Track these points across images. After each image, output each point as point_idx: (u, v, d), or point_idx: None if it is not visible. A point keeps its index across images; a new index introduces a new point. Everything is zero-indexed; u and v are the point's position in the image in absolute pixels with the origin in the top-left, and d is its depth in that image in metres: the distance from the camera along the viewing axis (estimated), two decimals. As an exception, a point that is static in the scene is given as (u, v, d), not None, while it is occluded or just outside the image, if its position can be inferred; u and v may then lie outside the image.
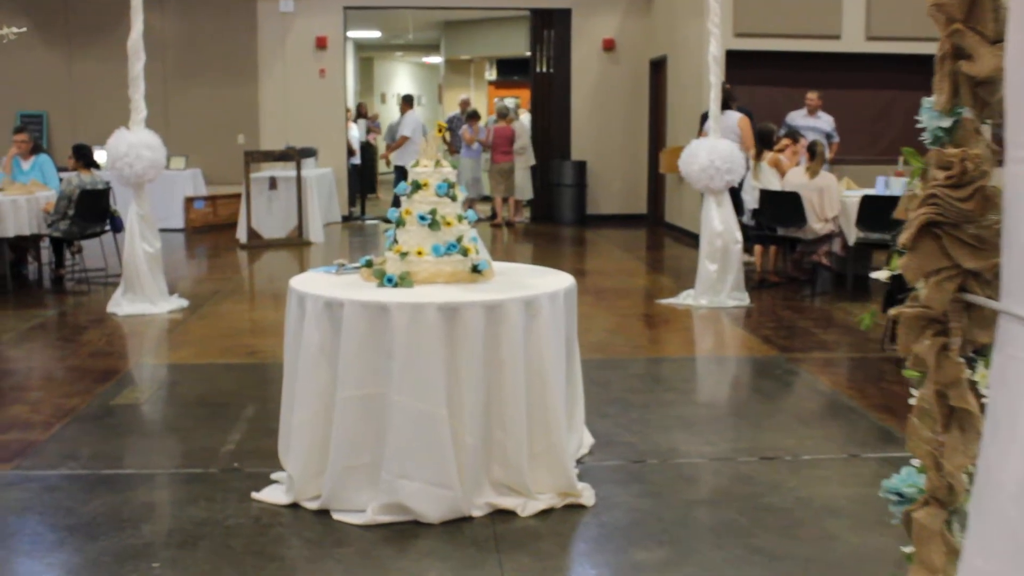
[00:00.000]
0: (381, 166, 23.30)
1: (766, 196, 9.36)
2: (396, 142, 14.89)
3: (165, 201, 13.98)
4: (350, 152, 16.26)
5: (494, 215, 15.23)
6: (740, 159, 8.45)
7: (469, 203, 15.44)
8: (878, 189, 9.81)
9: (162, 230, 13.88)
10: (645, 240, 13.91)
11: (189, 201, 14.09)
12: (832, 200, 9.19)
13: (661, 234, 14.23)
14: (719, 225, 8.52)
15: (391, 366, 3.81)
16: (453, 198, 4.26)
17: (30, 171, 10.16)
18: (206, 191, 14.61)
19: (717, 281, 8.56)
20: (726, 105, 10.99)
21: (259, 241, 12.37)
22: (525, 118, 17.68)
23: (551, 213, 15.65)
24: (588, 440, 4.79)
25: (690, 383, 6.26)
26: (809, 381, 6.14)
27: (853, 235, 9.19)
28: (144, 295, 8.10)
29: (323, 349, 3.95)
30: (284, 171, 13.01)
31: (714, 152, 8.33)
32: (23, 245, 9.90)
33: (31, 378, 6.12)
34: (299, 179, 12.57)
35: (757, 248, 9.90)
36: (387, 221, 4.39)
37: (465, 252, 4.23)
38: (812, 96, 11.82)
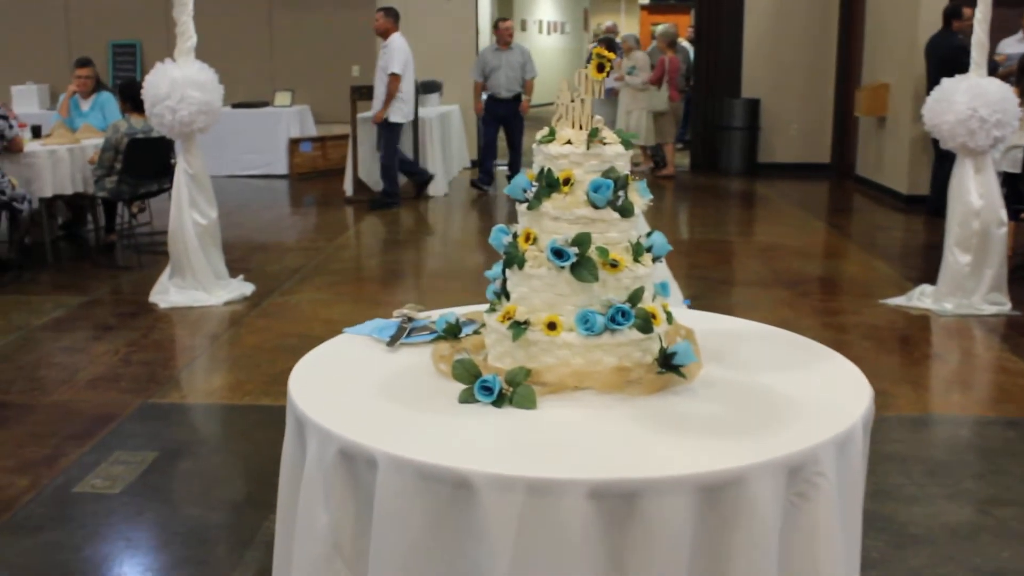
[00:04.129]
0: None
1: (1035, 157, 6.81)
2: (388, 89, 9.51)
3: (268, 143, 12.21)
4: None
5: (657, 165, 12.88)
6: (1015, 107, 5.93)
7: None
8: None
9: (264, 176, 12.17)
10: (833, 198, 11.39)
11: (294, 143, 12.21)
12: None
13: (851, 190, 11.66)
14: (978, 200, 6.05)
15: (479, 615, 1.67)
16: (627, 211, 2.05)
17: (89, 113, 8.35)
18: (315, 131, 12.69)
19: (970, 277, 6.12)
20: None
21: (367, 195, 10.35)
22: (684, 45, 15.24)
23: (715, 161, 13.18)
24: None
25: (996, 482, 3.87)
26: None
27: None
28: (195, 280, 6.16)
29: (339, 549, 1.83)
30: (400, 110, 10.92)
31: (978, 96, 5.83)
32: (80, 203, 8.12)
33: (-11, 427, 4.22)
34: (416, 119, 10.48)
35: (1009, 225, 7.35)
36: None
37: (647, 323, 2.02)
38: None
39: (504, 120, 10.64)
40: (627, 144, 2.07)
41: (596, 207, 2.01)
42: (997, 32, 8.55)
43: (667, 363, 2.00)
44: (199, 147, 6.12)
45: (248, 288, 6.37)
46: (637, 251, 2.07)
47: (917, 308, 6.21)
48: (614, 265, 2.00)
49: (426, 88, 11.47)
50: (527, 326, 2.02)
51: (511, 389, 1.94)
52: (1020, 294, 6.32)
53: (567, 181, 2.02)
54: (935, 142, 9.43)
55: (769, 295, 6.48)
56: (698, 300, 5.99)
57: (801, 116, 13.10)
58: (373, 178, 10.52)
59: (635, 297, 2.03)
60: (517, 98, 10.60)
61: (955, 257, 6.12)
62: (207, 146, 6.62)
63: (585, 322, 1.98)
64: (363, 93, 10.50)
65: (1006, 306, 6.13)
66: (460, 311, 2.53)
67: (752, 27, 13.01)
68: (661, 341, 2.05)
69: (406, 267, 7.61)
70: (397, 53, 9.51)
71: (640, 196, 2.11)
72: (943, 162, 8.99)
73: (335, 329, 5.62)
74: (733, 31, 13.07)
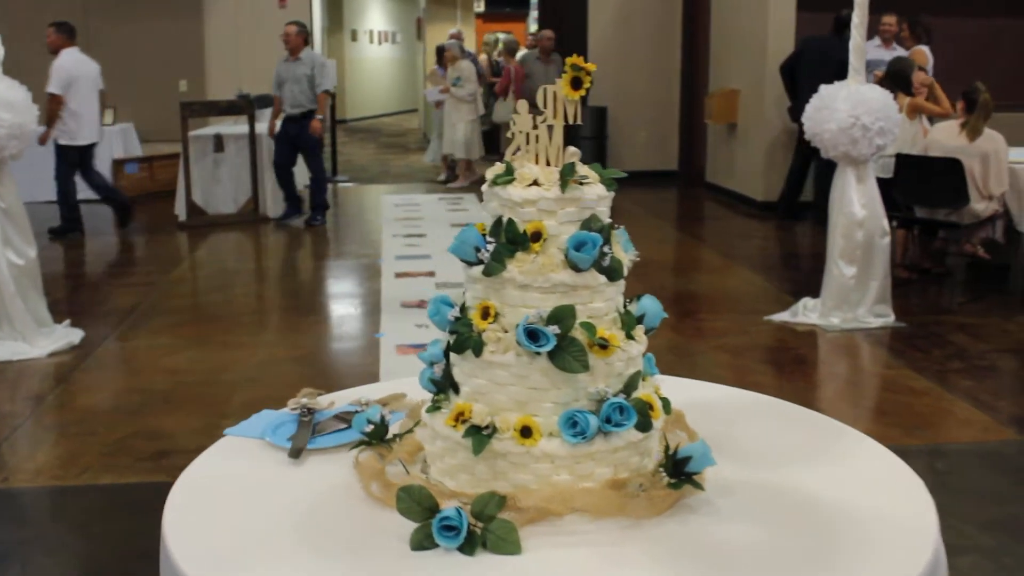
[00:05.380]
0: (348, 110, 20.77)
1: (907, 163, 6.67)
2: (47, 110, 8.38)
3: (88, 165, 11.18)
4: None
5: (448, 179, 12.42)
6: (895, 114, 5.74)
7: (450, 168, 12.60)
8: (1044, 149, 7.19)
9: (86, 201, 11.12)
10: (688, 207, 11.23)
11: (119, 164, 11.24)
12: (1000, 170, 6.53)
13: (702, 197, 11.53)
14: (860, 211, 5.83)
15: None
16: (615, 273, 1.56)
17: None
18: (141, 151, 11.74)
19: (855, 290, 5.91)
20: (921, 41, 8.28)
21: (203, 218, 9.57)
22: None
23: (564, 171, 12.85)
24: None
25: (943, 525, 3.57)
26: None
27: (1028, 217, 6.58)
28: (13, 330, 5.34)
29: None
30: (234, 127, 10.17)
31: (860, 104, 5.60)
32: None
33: None
34: (252, 136, 9.75)
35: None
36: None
37: (647, 419, 1.54)
38: (889, 21, 9.05)
39: (293, 141, 9.40)
40: (609, 184, 1.58)
41: (578, 270, 1.51)
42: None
43: (679, 471, 1.52)
44: (12, 176, 5.32)
45: (76, 335, 5.59)
46: (628, 324, 1.58)
47: (803, 324, 5.96)
48: (604, 347, 1.51)
49: (261, 103, 10.74)
50: (492, 433, 1.50)
51: (481, 526, 1.42)
52: (900, 304, 6.15)
53: (537, 236, 1.52)
54: (798, 147, 9.40)
55: (651, 316, 6.11)
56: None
57: (648, 124, 12.94)
58: (209, 200, 9.76)
59: (631, 385, 1.55)
60: (306, 115, 9.34)
61: (840, 270, 5.89)
62: (20, 169, 5.82)
63: (573, 425, 1.48)
64: (195, 109, 9.73)
65: (891, 318, 5.95)
66: (372, 392, 2.00)
67: (596, 35, 12.78)
68: (666, 441, 1.57)
69: (252, 302, 6.92)
70: (57, 71, 8.60)
71: (624, 251, 1.62)
72: (821, 168, 8.92)
73: (181, 380, 4.98)
74: (577, 39, 12.81)
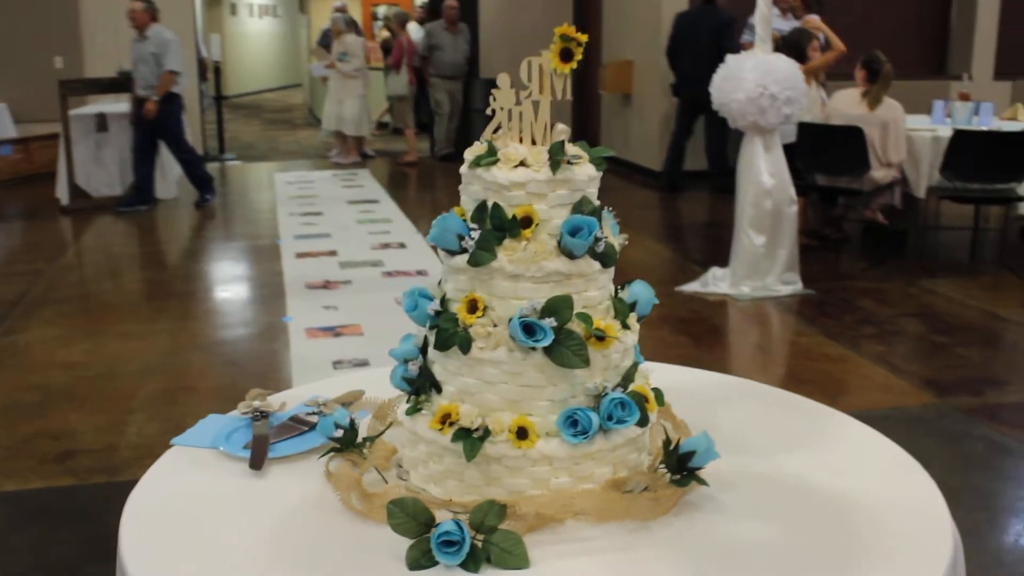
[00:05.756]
0: (233, 85, 20.27)
1: (809, 131, 6.73)
2: None
3: (-42, 147, 10.59)
4: (202, 74, 12.95)
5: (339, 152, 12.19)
6: (802, 83, 5.76)
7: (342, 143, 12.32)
8: (936, 119, 7.36)
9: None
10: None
11: (-9, 146, 10.68)
12: (899, 138, 6.65)
13: (598, 169, 11.51)
14: (768, 179, 5.87)
15: None
16: (608, 259, 1.46)
17: None
18: (15, 132, 11.15)
19: (764, 258, 5.95)
20: (812, 10, 8.34)
21: (87, 202, 9.13)
22: (412, 28, 14.65)
23: (458, 147, 12.72)
24: None
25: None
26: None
27: (924, 184, 6.71)
28: None
29: None
30: (117, 105, 9.73)
31: (767, 73, 5.61)
32: None
33: None
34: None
35: (800, 201, 7.31)
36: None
37: (645, 413, 1.45)
38: None
39: (149, 125, 8.78)
40: (599, 163, 1.47)
41: (573, 257, 1.40)
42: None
43: (683, 466, 1.43)
44: None
45: (-40, 330, 5.27)
46: (622, 312, 1.48)
47: (714, 294, 5.98)
48: (601, 338, 1.41)
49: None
50: (484, 436, 1.38)
51: (482, 539, 1.30)
52: (805, 271, 6.21)
53: (528, 222, 1.40)
54: (679, 119, 9.48)
55: (563, 291, 6.06)
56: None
57: (541, 96, 12.84)
58: (93, 182, 9.32)
59: (628, 378, 1.45)
60: (161, 98, 8.68)
61: (750, 239, 5.92)
62: None
63: (574, 425, 1.38)
64: (74, 87, 9.26)
65: (799, 285, 6.02)
66: (327, 390, 1.86)
67: (487, 5, 12.63)
68: (667, 434, 1.48)
69: (148, 288, 6.61)
70: None
71: (613, 234, 1.52)
72: (713, 138, 9.03)
73: (79, 375, 4.72)
74: (468, 9, 12.64)
